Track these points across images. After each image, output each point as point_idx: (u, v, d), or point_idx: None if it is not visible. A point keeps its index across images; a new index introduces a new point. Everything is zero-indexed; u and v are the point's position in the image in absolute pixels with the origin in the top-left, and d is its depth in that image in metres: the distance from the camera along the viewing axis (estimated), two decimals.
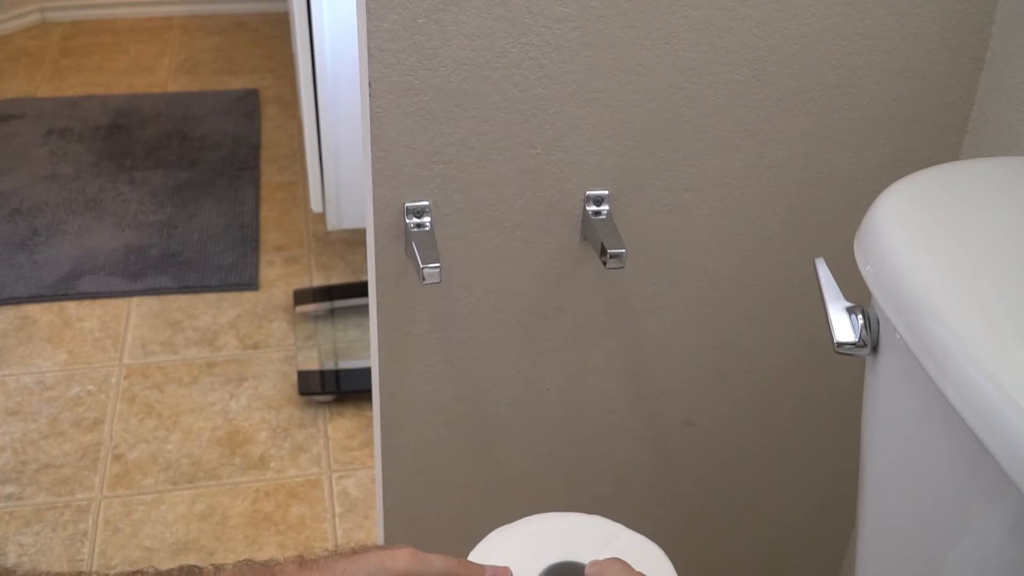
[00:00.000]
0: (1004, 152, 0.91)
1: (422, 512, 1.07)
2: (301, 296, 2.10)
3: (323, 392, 1.84)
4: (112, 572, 0.49)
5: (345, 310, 2.07)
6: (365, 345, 1.96)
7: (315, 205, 2.22)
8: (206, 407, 1.84)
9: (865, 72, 0.90)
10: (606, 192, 0.91)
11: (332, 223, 2.15)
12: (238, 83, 2.99)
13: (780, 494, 1.16)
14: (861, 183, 0.96)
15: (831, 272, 0.73)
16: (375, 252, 0.91)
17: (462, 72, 0.83)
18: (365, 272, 0.96)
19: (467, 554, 0.76)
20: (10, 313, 2.06)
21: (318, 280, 2.18)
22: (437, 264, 0.84)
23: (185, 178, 2.52)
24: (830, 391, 1.08)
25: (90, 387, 1.88)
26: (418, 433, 1.02)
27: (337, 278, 2.19)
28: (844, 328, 0.71)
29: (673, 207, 0.94)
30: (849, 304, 0.72)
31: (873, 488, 0.75)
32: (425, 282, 0.84)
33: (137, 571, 0.46)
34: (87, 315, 2.06)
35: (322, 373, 1.87)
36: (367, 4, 0.79)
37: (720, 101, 0.89)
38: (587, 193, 0.91)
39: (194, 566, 0.45)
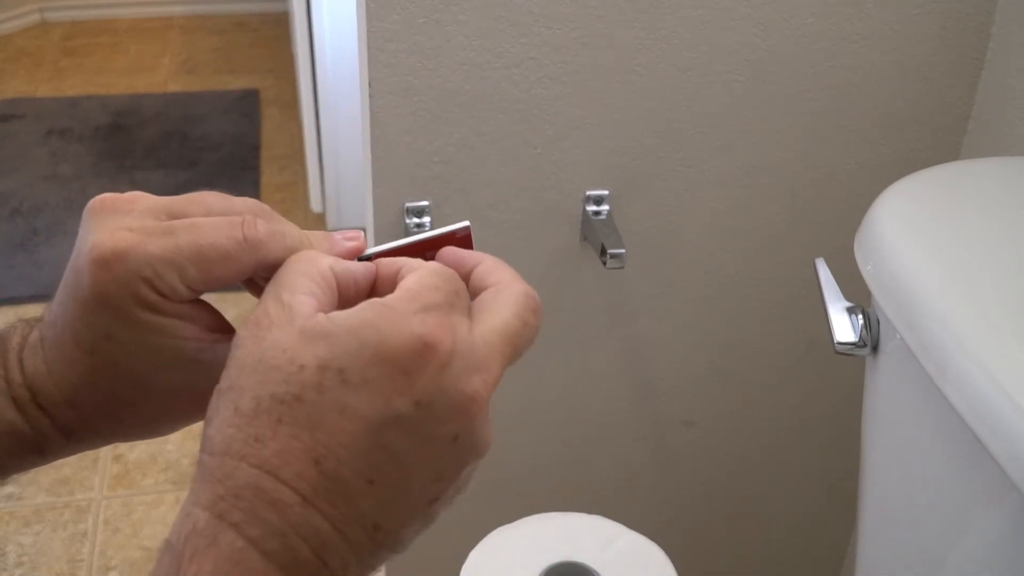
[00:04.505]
0: (1004, 152, 0.91)
1: None
2: None
3: None
4: None
5: None
6: None
7: (315, 205, 2.22)
8: None
9: (865, 72, 0.90)
10: (606, 192, 0.91)
11: (332, 223, 2.15)
12: (238, 83, 2.99)
13: (780, 494, 1.16)
14: (861, 183, 0.96)
15: (831, 272, 0.73)
16: None
17: (462, 72, 0.83)
18: None
19: (467, 554, 0.77)
20: (10, 313, 2.06)
21: None
22: None
23: (185, 178, 2.52)
24: (830, 391, 1.08)
25: None
26: None
27: None
28: (844, 328, 0.71)
29: (673, 207, 0.94)
30: (849, 304, 0.71)
31: (873, 488, 0.75)
32: None
33: None
34: None
35: None
36: (367, 4, 0.79)
37: (720, 101, 0.89)
38: (587, 193, 0.91)
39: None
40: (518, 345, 0.38)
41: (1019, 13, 0.88)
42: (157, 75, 3.03)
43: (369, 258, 0.42)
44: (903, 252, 0.65)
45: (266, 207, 0.42)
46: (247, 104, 2.88)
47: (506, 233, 0.92)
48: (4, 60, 3.11)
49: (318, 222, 2.27)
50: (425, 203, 0.88)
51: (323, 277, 0.38)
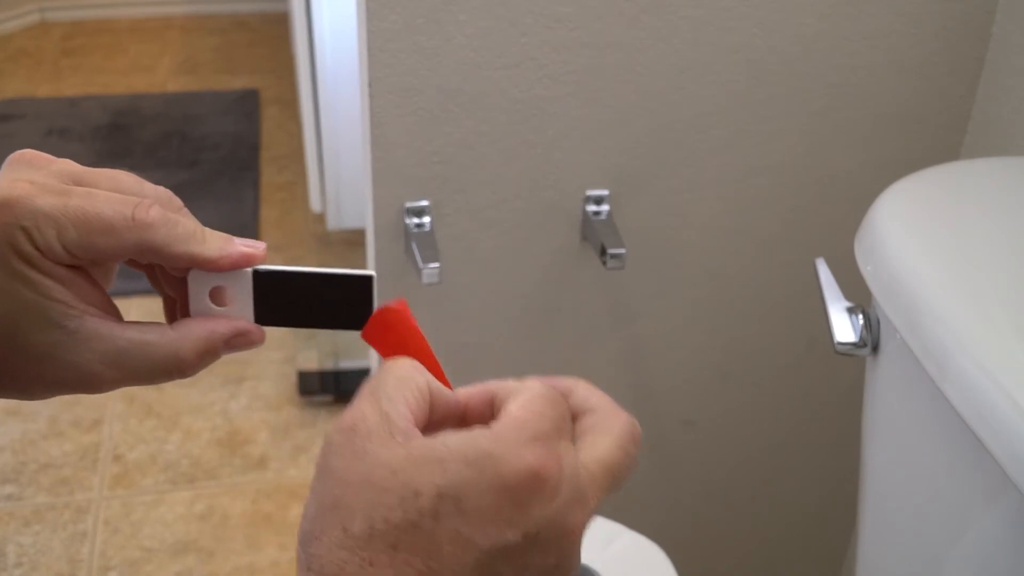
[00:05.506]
0: (1004, 152, 0.91)
1: None
2: None
3: (323, 392, 1.84)
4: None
5: None
6: (365, 345, 1.96)
7: (315, 205, 2.22)
8: (206, 407, 1.84)
9: (865, 72, 0.90)
10: (606, 192, 0.91)
11: (332, 223, 2.14)
12: (238, 83, 2.99)
13: (780, 494, 1.16)
14: (861, 183, 0.96)
15: (831, 272, 0.73)
16: (375, 252, 0.91)
17: (462, 72, 0.83)
18: None
19: None
20: None
21: None
22: (436, 264, 0.84)
23: (185, 178, 2.52)
24: (830, 391, 1.08)
25: None
26: None
27: None
28: (844, 328, 0.71)
29: (673, 207, 0.94)
30: (849, 304, 0.71)
31: (873, 488, 0.75)
32: (424, 282, 0.84)
33: None
34: None
35: (322, 373, 1.87)
36: (367, 4, 0.79)
37: (720, 101, 0.89)
38: (587, 193, 0.91)
39: None
40: (618, 477, 0.39)
41: (1019, 13, 0.88)
42: (157, 75, 3.03)
43: (261, 273, 0.42)
44: (903, 252, 0.65)
45: (177, 199, 0.43)
46: (247, 104, 2.88)
47: (506, 233, 0.92)
48: (4, 60, 3.11)
49: (318, 222, 2.27)
50: (425, 203, 0.88)
51: (420, 391, 0.38)
